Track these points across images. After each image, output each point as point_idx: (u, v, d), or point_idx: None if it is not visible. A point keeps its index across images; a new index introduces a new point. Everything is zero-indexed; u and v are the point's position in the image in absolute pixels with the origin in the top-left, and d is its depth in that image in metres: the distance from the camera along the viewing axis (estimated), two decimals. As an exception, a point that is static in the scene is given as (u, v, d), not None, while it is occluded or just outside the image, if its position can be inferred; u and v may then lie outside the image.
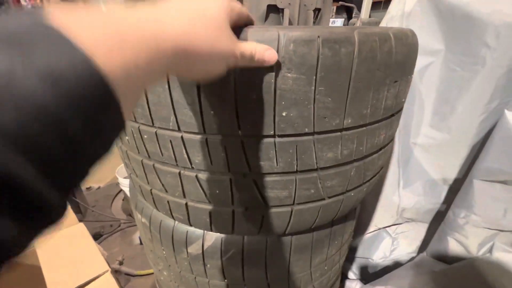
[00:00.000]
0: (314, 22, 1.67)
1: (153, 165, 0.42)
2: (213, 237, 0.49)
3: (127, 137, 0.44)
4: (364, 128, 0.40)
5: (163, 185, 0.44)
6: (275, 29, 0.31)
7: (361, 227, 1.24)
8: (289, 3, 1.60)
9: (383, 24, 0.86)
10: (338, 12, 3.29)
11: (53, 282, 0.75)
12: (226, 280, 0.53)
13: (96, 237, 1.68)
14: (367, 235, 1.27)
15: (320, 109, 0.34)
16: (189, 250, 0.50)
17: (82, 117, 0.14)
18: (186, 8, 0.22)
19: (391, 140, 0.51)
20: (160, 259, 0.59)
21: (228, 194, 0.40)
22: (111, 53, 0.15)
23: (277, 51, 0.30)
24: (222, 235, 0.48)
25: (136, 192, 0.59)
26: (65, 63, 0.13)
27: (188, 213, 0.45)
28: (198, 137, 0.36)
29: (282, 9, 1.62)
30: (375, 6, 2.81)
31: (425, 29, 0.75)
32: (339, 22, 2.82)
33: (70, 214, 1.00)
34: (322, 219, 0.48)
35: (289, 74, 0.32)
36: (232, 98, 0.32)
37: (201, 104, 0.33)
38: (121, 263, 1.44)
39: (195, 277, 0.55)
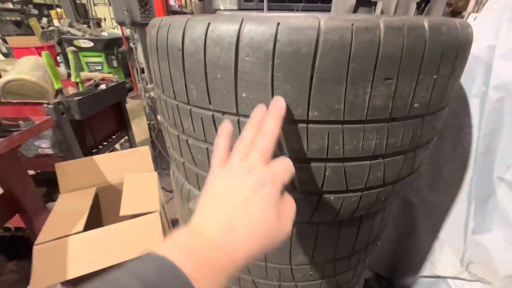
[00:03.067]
0: (417, 17, 1.41)
1: (187, 140, 0.48)
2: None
3: (168, 114, 0.52)
4: (339, 125, 0.37)
5: (193, 158, 0.48)
6: (238, 20, 0.34)
7: (412, 264, 1.04)
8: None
9: (479, 16, 0.66)
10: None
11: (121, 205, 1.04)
12: None
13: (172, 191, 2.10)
14: (422, 279, 1.05)
15: (279, 95, 0.35)
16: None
17: None
18: (255, 228, 0.28)
19: (401, 153, 0.43)
20: (179, 214, 0.73)
21: (205, 161, 0.47)
22: (204, 277, 0.24)
23: (237, 39, 0.34)
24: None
25: (172, 164, 0.69)
26: None
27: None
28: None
29: (375, 2, 1.46)
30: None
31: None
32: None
33: (149, 162, 1.32)
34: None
35: (247, 58, 0.34)
36: (204, 76, 0.38)
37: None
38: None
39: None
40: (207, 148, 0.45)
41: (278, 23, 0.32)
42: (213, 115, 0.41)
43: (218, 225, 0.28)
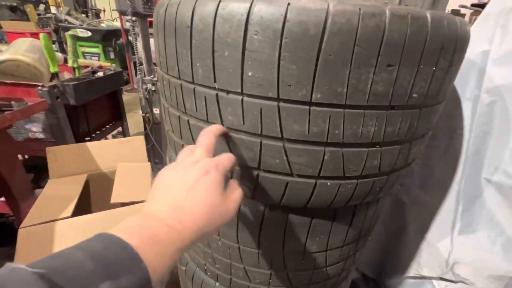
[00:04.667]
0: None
1: (188, 120, 0.48)
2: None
3: (170, 94, 0.52)
4: (340, 109, 0.38)
5: (193, 139, 0.49)
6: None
7: (399, 264, 1.06)
8: (385, 3, 1.47)
9: (476, 22, 0.69)
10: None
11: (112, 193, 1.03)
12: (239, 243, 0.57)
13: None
14: (408, 280, 1.07)
15: (284, 75, 0.36)
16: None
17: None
18: (200, 206, 0.31)
19: (398, 143, 0.44)
20: None
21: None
22: (152, 249, 0.26)
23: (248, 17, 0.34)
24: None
25: (170, 149, 0.68)
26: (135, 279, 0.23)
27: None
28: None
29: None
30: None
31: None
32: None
33: (143, 152, 1.30)
34: (292, 198, 0.47)
35: (255, 36, 0.35)
36: (211, 54, 0.39)
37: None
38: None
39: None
40: (208, 129, 0.46)
41: (289, 3, 0.33)
42: (217, 94, 0.41)
43: (166, 206, 0.30)
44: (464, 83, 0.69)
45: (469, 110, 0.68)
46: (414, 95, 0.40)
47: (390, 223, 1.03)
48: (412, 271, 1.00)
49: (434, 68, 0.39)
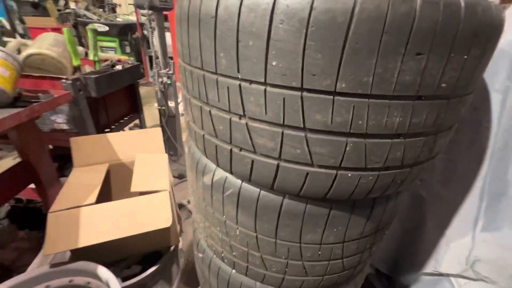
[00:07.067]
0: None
1: (210, 111, 0.48)
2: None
3: (192, 85, 0.52)
4: (365, 99, 0.37)
5: (214, 130, 0.49)
6: (277, -17, 0.34)
7: (415, 261, 1.04)
8: None
9: (509, 9, 0.65)
10: None
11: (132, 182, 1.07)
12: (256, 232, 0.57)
13: (180, 177, 2.14)
14: (424, 277, 1.05)
15: (309, 65, 0.36)
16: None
17: None
18: None
19: (423, 135, 0.43)
20: (191, 190, 0.74)
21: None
22: None
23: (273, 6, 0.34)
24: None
25: (191, 140, 0.67)
26: None
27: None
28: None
29: None
30: None
31: None
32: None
33: (160, 143, 1.34)
34: (311, 189, 0.48)
35: (281, 25, 0.35)
36: (235, 44, 0.39)
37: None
38: (188, 202, 1.79)
39: (225, 220, 0.61)
40: (230, 119, 0.46)
41: (316, -9, 0.33)
42: (240, 84, 0.42)
43: None
44: (493, 73, 0.65)
45: (498, 103, 0.65)
46: (443, 85, 0.38)
47: (407, 218, 1.01)
48: (429, 267, 0.98)
49: (465, 57, 0.37)
